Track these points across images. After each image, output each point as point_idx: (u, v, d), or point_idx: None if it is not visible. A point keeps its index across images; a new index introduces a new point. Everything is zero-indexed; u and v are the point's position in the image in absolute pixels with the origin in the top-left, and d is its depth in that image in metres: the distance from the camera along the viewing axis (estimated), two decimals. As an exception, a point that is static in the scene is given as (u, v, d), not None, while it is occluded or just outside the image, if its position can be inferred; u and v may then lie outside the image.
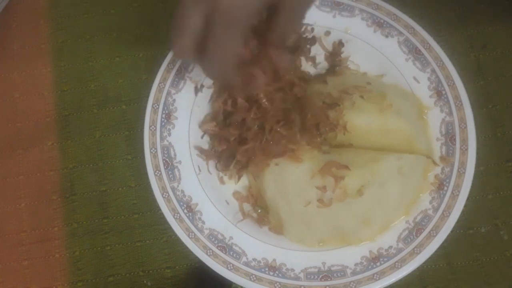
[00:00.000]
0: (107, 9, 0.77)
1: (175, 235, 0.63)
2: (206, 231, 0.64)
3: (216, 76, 0.54)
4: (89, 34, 0.76)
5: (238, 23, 0.46)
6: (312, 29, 0.69)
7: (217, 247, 0.63)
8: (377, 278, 0.60)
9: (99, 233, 0.69)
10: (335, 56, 0.70)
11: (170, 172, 0.65)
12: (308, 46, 0.68)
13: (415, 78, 0.68)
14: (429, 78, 0.68)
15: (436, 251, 0.61)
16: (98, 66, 0.75)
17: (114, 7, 0.77)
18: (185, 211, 0.64)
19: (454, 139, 0.65)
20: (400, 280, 0.60)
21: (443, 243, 0.61)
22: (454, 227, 0.62)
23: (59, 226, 0.69)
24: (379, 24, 0.70)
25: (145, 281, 0.67)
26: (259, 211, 0.65)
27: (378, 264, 0.61)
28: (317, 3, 0.70)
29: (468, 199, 0.63)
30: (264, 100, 0.61)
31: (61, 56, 0.76)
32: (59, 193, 0.70)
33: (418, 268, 0.61)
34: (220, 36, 0.46)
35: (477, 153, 0.64)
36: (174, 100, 0.68)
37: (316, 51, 0.70)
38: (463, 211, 0.62)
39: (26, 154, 0.72)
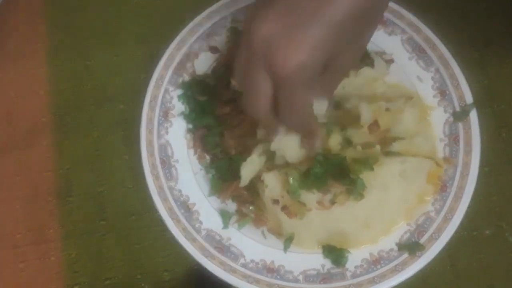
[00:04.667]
0: (104, 7, 0.77)
1: (174, 237, 0.62)
2: (204, 232, 0.63)
3: (298, 130, 0.57)
4: (86, 33, 0.76)
5: (302, 84, 0.47)
6: None
7: (214, 248, 0.62)
8: (378, 281, 0.59)
9: (96, 235, 0.68)
10: None
11: (167, 171, 0.65)
12: None
13: (418, 77, 0.68)
14: (433, 78, 0.67)
15: (439, 253, 0.60)
16: (95, 65, 0.75)
17: (111, 5, 0.77)
18: (182, 210, 0.63)
19: (458, 140, 0.64)
20: (403, 282, 0.60)
21: (446, 245, 0.60)
22: (457, 229, 0.61)
23: (55, 227, 0.69)
24: (382, 22, 0.69)
25: (142, 284, 0.66)
26: (250, 208, 0.65)
27: (378, 267, 0.60)
28: None
29: (472, 200, 0.62)
30: None
31: (58, 55, 0.75)
32: (55, 194, 0.70)
33: (421, 270, 0.60)
34: (287, 98, 0.49)
35: (481, 153, 0.63)
36: (172, 98, 0.68)
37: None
38: (467, 213, 0.61)
39: (21, 154, 0.71)
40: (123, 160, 0.71)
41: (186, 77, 0.69)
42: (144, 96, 0.67)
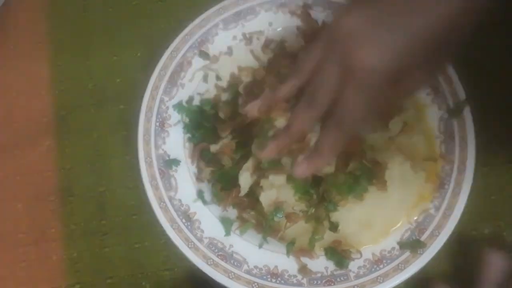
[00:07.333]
0: (105, 7, 0.77)
1: (174, 239, 0.62)
2: (206, 240, 0.63)
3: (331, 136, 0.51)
4: (86, 33, 0.76)
5: (370, 89, 0.46)
6: None
7: (217, 256, 0.62)
8: (381, 281, 0.59)
9: (97, 234, 0.68)
10: None
11: (166, 181, 0.65)
12: None
13: (411, 76, 0.68)
14: (425, 76, 0.67)
15: (439, 253, 0.60)
16: (96, 65, 0.75)
17: (112, 5, 0.77)
18: (183, 220, 0.63)
19: (453, 136, 0.65)
20: (403, 283, 0.60)
21: (446, 244, 0.60)
22: (457, 228, 0.61)
23: (57, 227, 0.68)
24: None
25: (143, 283, 0.66)
26: (251, 213, 0.65)
27: (381, 266, 0.60)
28: (309, 1, 0.71)
29: (471, 200, 0.62)
30: None
31: (59, 55, 0.75)
32: (56, 194, 0.70)
33: (420, 270, 0.60)
34: (348, 99, 0.47)
35: (481, 154, 0.63)
36: (167, 108, 0.68)
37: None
38: (466, 212, 0.62)
39: (23, 154, 0.71)
40: (123, 160, 0.70)
41: (181, 87, 0.69)
42: (143, 97, 0.67)
